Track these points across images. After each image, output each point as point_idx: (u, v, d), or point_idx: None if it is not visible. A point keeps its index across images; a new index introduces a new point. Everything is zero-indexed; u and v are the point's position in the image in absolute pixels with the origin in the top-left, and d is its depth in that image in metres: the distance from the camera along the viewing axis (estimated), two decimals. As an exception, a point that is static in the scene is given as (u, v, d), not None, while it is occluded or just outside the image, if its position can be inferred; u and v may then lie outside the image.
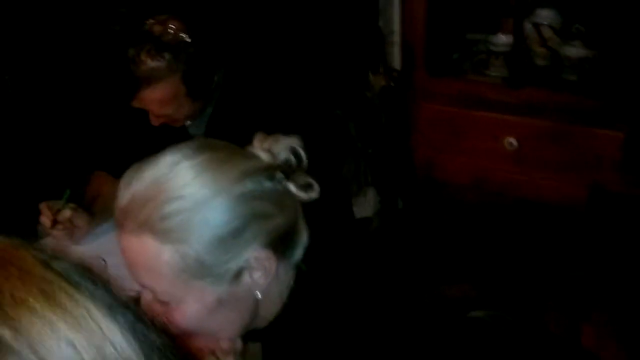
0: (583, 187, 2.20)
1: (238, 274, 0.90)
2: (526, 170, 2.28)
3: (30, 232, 1.94)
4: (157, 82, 1.49)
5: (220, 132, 1.63)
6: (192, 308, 0.89)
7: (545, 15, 2.35)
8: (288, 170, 0.95)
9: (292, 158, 0.96)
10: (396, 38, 2.81)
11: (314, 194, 0.95)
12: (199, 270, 0.87)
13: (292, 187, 0.94)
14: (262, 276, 0.91)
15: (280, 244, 0.93)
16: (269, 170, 0.93)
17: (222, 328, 0.95)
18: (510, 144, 2.26)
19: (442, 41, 2.46)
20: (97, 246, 1.58)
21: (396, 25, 2.80)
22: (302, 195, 0.95)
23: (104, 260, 1.37)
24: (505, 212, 2.36)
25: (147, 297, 0.91)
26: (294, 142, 0.97)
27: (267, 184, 0.92)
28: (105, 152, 1.86)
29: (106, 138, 1.91)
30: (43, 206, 1.62)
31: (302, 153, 0.97)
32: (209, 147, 0.93)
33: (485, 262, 2.34)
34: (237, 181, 0.89)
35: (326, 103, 2.48)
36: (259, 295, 0.92)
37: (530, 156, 2.26)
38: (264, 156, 0.94)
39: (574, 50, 2.27)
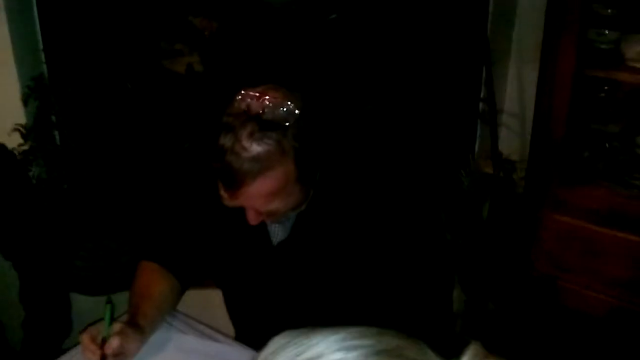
0: None
1: None
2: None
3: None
4: (266, 171, 1.14)
5: (307, 235, 1.36)
6: None
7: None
8: None
9: None
10: (505, 119, 2.41)
11: None
12: None
13: None
14: None
15: None
16: None
17: None
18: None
19: (575, 136, 2.04)
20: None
21: (508, 104, 2.40)
22: None
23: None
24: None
25: None
26: None
27: None
28: (160, 241, 1.48)
29: (164, 226, 1.51)
30: (86, 340, 1.23)
31: None
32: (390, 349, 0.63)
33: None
34: None
35: (419, 191, 2.12)
36: None
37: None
38: None
39: None
